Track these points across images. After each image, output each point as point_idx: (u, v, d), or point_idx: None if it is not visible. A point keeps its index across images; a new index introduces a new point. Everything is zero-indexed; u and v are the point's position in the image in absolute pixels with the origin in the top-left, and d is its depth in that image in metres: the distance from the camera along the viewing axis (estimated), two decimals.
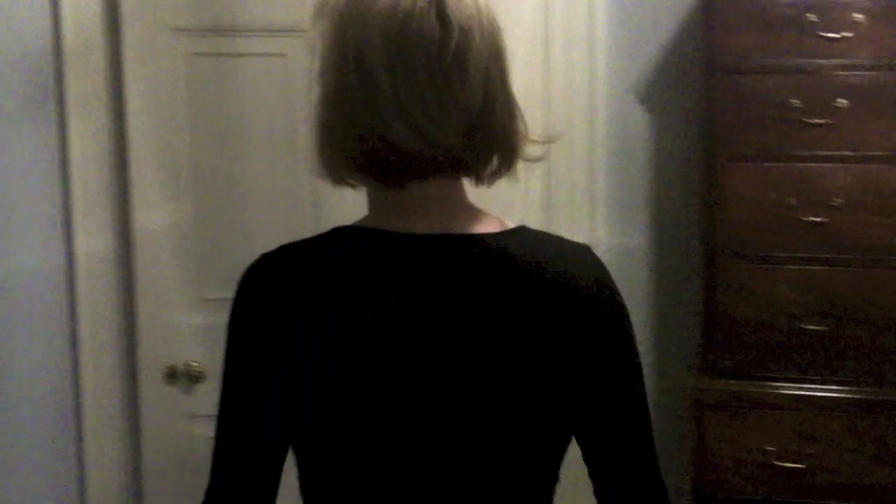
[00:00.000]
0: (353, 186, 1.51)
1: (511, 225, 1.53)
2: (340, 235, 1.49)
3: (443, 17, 1.40)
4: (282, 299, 1.45)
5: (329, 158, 1.49)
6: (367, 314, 1.43)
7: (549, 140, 1.59)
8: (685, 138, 3.43)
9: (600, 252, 3.26)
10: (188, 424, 3.23)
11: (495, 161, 1.51)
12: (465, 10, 1.42)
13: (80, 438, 3.14)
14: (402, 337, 1.43)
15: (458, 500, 1.48)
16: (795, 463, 3.03)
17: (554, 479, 1.56)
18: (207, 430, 1.58)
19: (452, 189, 1.51)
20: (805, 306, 3.05)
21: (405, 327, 1.43)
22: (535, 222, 3.28)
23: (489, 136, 1.47)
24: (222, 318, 2.72)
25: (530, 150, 1.53)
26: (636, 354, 1.53)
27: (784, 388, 3.06)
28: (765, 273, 3.06)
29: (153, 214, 3.14)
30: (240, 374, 1.48)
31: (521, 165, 1.55)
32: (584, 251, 1.56)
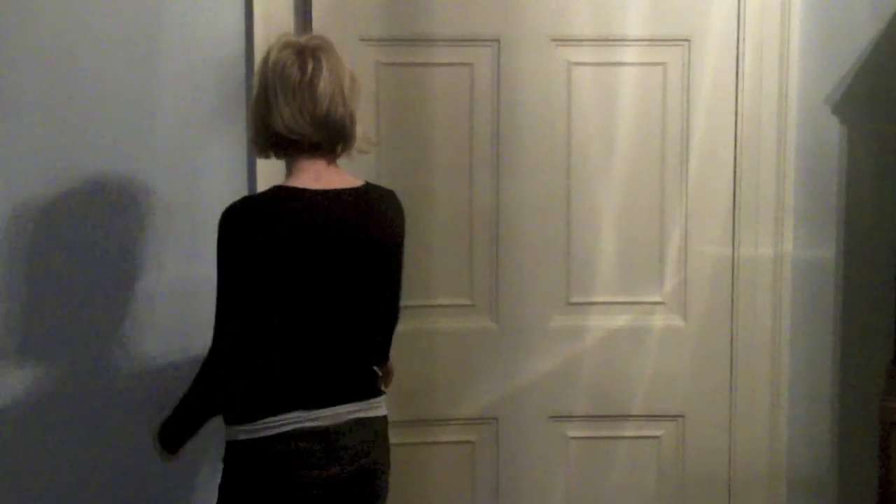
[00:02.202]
0: (268, 157, 2.64)
1: (361, 182, 2.62)
2: (280, 190, 2.54)
3: (302, 68, 2.51)
4: (251, 229, 2.45)
5: (254, 141, 2.61)
6: (297, 238, 2.47)
7: (371, 143, 2.73)
8: (881, 150, 3.34)
9: (786, 264, 3.24)
10: None
11: (339, 148, 2.58)
12: (317, 64, 2.51)
13: None
14: (324, 247, 2.50)
15: (349, 349, 2.59)
16: None
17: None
18: None
19: (326, 162, 2.58)
20: None
21: (318, 244, 2.49)
22: (718, 229, 3.30)
23: (334, 133, 2.54)
24: (416, 325, 3.23)
25: (362, 146, 2.64)
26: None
27: None
28: None
29: None
30: (229, 275, 2.47)
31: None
32: (394, 195, 2.71)
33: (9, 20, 3.10)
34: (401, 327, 3.23)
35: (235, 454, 2.54)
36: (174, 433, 2.64)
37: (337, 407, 2.56)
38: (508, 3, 3.25)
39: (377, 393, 2.68)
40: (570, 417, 3.41)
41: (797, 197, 3.37)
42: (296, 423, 2.51)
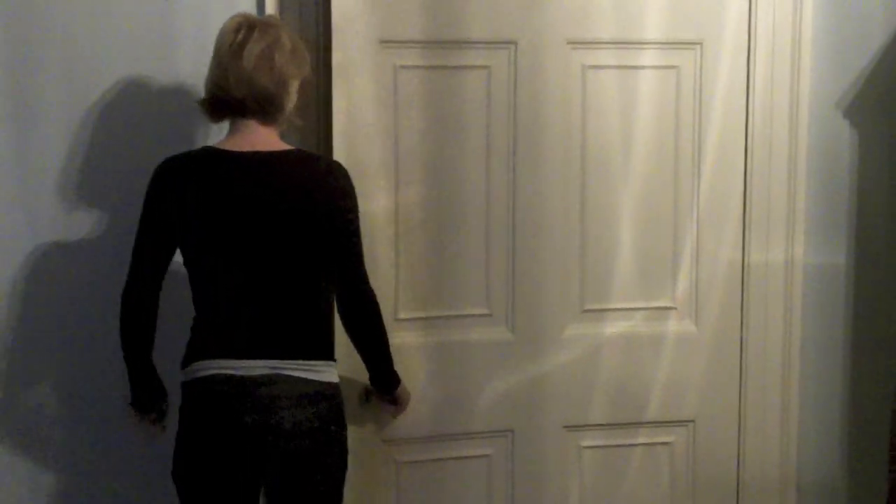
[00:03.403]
0: (215, 121, 2.85)
1: (292, 148, 2.82)
2: (207, 151, 2.79)
3: (236, 33, 2.73)
4: (176, 184, 2.73)
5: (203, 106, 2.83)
6: (219, 195, 2.72)
7: (292, 123, 2.87)
8: (892, 154, 3.36)
9: (797, 270, 3.23)
10: None
11: (273, 113, 2.77)
12: (250, 34, 2.73)
13: None
14: (236, 205, 2.71)
15: (272, 298, 2.77)
16: None
17: (325, 290, 2.85)
18: None
19: (258, 125, 2.77)
20: None
21: (237, 201, 2.71)
22: (730, 234, 3.31)
23: (258, 95, 2.73)
24: (415, 338, 3.23)
25: (294, 120, 2.87)
26: (356, 217, 2.81)
27: None
28: None
29: None
30: (148, 224, 2.75)
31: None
32: (337, 164, 2.86)
33: (22, 21, 3.01)
34: (419, 339, 3.19)
35: (181, 395, 2.84)
36: (136, 389, 2.88)
37: (256, 360, 2.76)
38: (525, 7, 3.18)
39: (311, 356, 2.81)
40: (583, 427, 3.36)
41: (808, 201, 3.38)
42: (216, 368, 2.76)
